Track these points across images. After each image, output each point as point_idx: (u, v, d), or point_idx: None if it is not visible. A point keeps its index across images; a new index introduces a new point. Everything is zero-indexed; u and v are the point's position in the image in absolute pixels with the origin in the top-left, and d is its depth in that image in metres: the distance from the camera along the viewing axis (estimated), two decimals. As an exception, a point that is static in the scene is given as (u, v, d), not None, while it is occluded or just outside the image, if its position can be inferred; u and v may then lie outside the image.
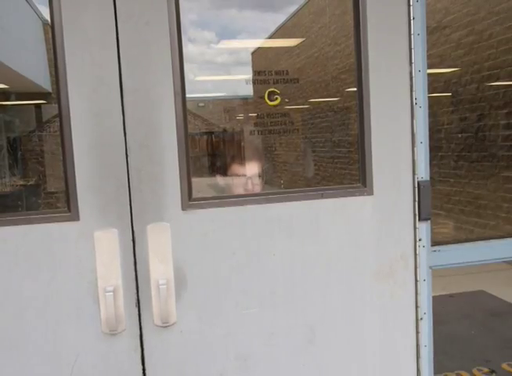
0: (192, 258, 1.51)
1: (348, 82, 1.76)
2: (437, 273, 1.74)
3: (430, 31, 5.55)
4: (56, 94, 1.41)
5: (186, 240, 1.50)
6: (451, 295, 3.69)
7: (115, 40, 1.43)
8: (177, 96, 1.48)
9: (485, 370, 2.51)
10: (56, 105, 1.57)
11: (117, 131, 1.45)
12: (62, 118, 1.42)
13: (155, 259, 1.48)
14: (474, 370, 2.51)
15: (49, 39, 1.73)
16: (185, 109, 1.49)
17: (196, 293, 1.53)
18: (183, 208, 1.49)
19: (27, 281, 1.44)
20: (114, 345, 1.49)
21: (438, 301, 1.85)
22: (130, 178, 1.46)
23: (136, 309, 1.50)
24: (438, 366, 2.37)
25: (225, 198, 1.56)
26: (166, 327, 1.51)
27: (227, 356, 1.57)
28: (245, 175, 2.02)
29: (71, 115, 1.41)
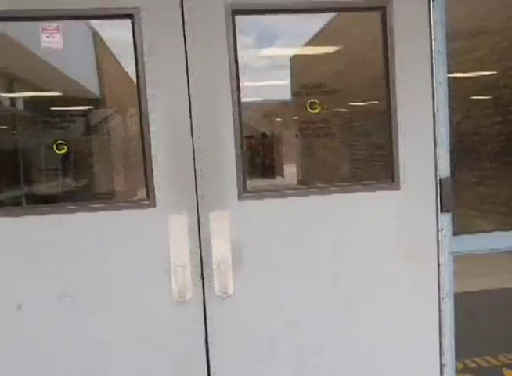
0: (247, 239, 1.83)
1: (384, 86, 2.02)
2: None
3: (469, 36, 5.69)
4: (138, 105, 1.76)
5: (242, 224, 1.82)
6: (483, 291, 3.85)
7: (184, 58, 1.77)
8: (234, 106, 1.80)
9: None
10: (104, 109, 1.91)
11: (186, 135, 1.78)
12: (142, 124, 1.76)
13: (216, 240, 1.80)
14: (500, 356, 2.71)
15: (98, 46, 2.07)
16: (240, 116, 1.81)
17: (250, 269, 1.84)
18: (239, 199, 1.81)
19: (112, 256, 1.79)
20: (183, 310, 1.82)
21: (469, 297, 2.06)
22: (196, 173, 1.79)
23: (200, 282, 1.82)
24: (465, 352, 2.60)
25: (273, 191, 1.87)
26: (225, 297, 1.82)
27: (277, 323, 1.87)
28: (285, 174, 2.31)
29: (150, 122, 1.76)
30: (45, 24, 1.68)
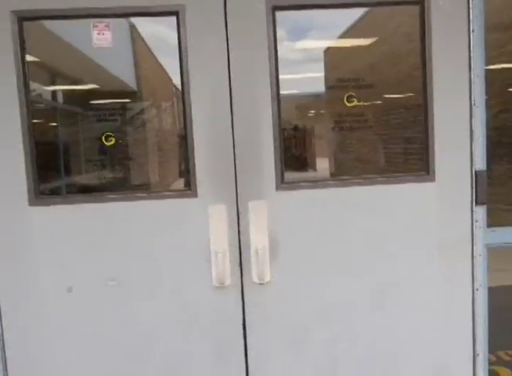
0: (283, 228, 1.89)
1: (420, 79, 2.04)
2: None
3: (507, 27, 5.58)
4: (182, 101, 1.84)
5: (279, 214, 1.88)
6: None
7: (226, 54, 1.83)
8: (273, 101, 1.86)
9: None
10: (139, 102, 1.98)
11: (226, 129, 1.85)
12: (186, 120, 1.84)
13: (254, 229, 1.87)
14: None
15: (135, 40, 2.13)
16: (279, 110, 1.87)
17: (286, 258, 1.90)
18: (277, 189, 1.87)
19: (157, 244, 1.88)
20: (222, 296, 1.90)
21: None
22: (236, 165, 1.86)
23: (239, 269, 1.90)
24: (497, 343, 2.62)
25: (310, 182, 1.92)
26: (262, 284, 1.89)
27: (311, 311, 1.94)
28: (317, 168, 2.33)
29: (193, 118, 1.83)
30: (96, 22, 1.77)
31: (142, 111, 2.41)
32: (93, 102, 2.11)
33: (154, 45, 2.56)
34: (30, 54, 1.82)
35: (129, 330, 1.90)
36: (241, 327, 1.92)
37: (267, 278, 1.89)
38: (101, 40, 1.78)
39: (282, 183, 1.89)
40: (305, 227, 1.91)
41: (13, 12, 1.75)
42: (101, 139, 1.91)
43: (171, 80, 2.28)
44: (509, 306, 3.38)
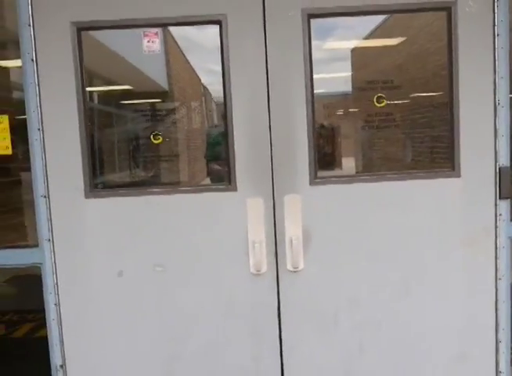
0: (316, 221, 2.04)
1: (446, 80, 2.14)
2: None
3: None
4: (224, 103, 2.00)
5: (312, 207, 2.03)
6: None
7: (264, 59, 1.98)
8: (308, 102, 2.00)
9: None
10: (171, 103, 2.14)
11: (264, 128, 2.00)
12: (227, 120, 2.00)
13: (289, 221, 2.02)
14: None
15: (167, 41, 2.27)
16: (313, 111, 2.01)
17: (318, 248, 2.05)
18: (310, 184, 2.02)
19: (199, 233, 2.05)
20: (258, 282, 2.06)
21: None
22: (273, 162, 2.01)
23: (274, 258, 2.05)
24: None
25: (341, 177, 2.06)
26: (295, 271, 2.04)
27: (340, 298, 2.08)
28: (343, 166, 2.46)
29: (234, 118, 1.99)
30: (147, 30, 1.95)
31: (177, 111, 2.56)
32: (139, 104, 2.29)
33: (185, 47, 2.69)
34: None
35: (172, 313, 2.08)
36: (276, 310, 2.07)
37: (300, 266, 2.04)
38: (151, 47, 1.96)
39: (315, 179, 2.03)
40: (336, 219, 2.05)
41: (73, 23, 1.94)
42: (149, 138, 2.09)
43: (200, 81, 2.45)
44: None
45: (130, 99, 2.46)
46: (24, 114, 2.03)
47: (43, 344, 2.14)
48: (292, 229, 2.03)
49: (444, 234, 2.09)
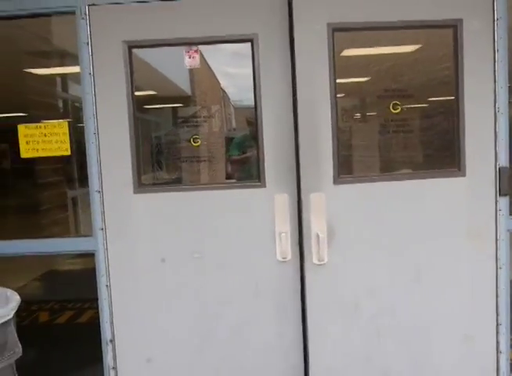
0: (339, 218, 2.27)
1: (453, 89, 2.37)
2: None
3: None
4: (254, 110, 2.28)
5: (336, 204, 2.26)
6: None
7: (291, 69, 2.24)
8: (332, 107, 2.23)
9: None
10: (192, 107, 2.41)
11: (290, 130, 2.28)
12: (257, 125, 2.28)
13: (314, 217, 2.25)
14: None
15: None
16: (337, 115, 2.22)
17: (341, 242, 2.28)
18: (334, 183, 2.25)
19: (233, 224, 2.33)
20: (284, 268, 2.33)
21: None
22: (300, 161, 2.24)
23: (298, 247, 2.32)
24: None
25: (362, 177, 2.31)
26: (320, 263, 2.29)
27: (360, 287, 2.31)
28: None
29: (263, 123, 2.27)
30: (188, 48, 2.25)
31: (211, 115, 2.84)
32: (181, 112, 2.60)
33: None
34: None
35: (208, 294, 2.36)
36: (299, 294, 2.34)
37: (325, 260, 2.25)
38: (191, 62, 2.26)
39: (338, 178, 2.25)
40: (357, 216, 2.28)
41: (125, 41, 2.25)
42: (190, 141, 2.39)
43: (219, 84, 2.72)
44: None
45: (179, 110, 2.76)
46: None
47: (83, 328, 2.41)
48: (317, 225, 2.25)
49: (451, 228, 2.32)
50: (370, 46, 3.05)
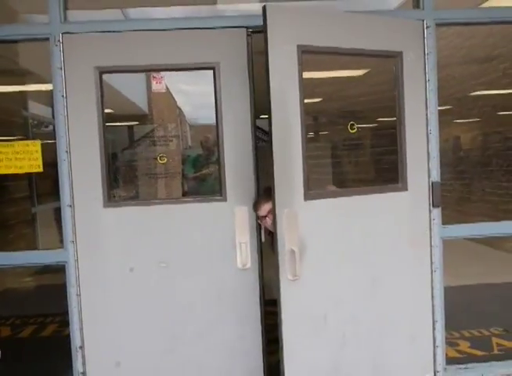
0: (311, 232, 2.25)
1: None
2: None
3: (482, 61, 6.36)
4: (216, 132, 2.50)
5: (306, 220, 2.23)
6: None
7: (249, 95, 2.50)
8: (302, 127, 2.24)
9: (500, 329, 3.33)
10: (147, 125, 2.61)
11: (249, 148, 2.52)
12: (219, 146, 2.51)
13: (287, 233, 2.18)
14: (492, 329, 3.34)
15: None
16: (306, 134, 2.30)
17: (312, 256, 2.25)
18: (305, 199, 2.24)
19: (196, 235, 2.53)
20: (244, 275, 2.54)
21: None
22: (275, 179, 2.17)
23: (257, 255, 2.54)
24: (462, 325, 3.28)
25: (327, 193, 2.52)
26: (294, 280, 2.52)
27: (328, 299, 2.33)
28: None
29: (225, 141, 2.50)
30: (155, 74, 2.46)
31: (173, 136, 3.06)
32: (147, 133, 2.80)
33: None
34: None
35: (173, 301, 2.54)
36: (257, 299, 2.56)
37: (298, 274, 2.18)
38: (158, 87, 2.47)
39: (308, 194, 2.24)
40: (325, 230, 2.31)
41: (96, 67, 2.44)
42: (156, 159, 2.59)
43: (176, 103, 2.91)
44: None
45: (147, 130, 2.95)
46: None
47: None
48: (290, 241, 2.19)
49: (398, 236, 2.53)
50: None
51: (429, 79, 2.58)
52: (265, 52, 2.16)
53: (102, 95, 2.46)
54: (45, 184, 4.83)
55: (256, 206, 2.52)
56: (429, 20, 2.57)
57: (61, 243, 2.53)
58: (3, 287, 5.12)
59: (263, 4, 2.17)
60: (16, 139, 3.63)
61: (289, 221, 2.20)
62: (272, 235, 2.50)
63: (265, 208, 2.46)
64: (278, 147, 2.19)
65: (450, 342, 3.09)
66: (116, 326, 2.53)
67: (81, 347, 2.53)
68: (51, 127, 5.34)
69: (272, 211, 2.21)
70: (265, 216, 2.48)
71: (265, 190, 2.53)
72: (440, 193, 2.59)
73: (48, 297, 4.47)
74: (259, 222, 2.55)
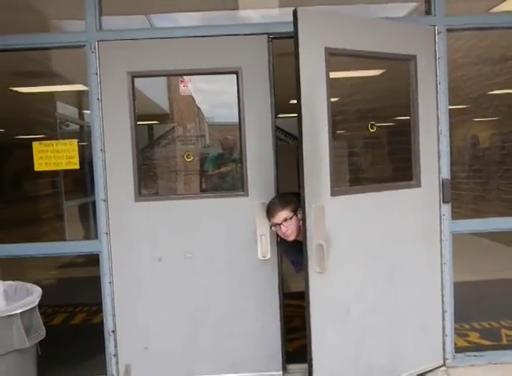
0: (336, 227, 2.36)
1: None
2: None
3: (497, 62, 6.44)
4: (239, 131, 2.68)
5: (333, 215, 2.35)
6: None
7: (269, 99, 2.68)
8: (329, 125, 2.39)
9: (510, 321, 3.46)
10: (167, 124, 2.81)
11: (270, 147, 2.69)
12: (241, 144, 2.69)
13: (315, 227, 2.30)
14: (502, 322, 3.47)
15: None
16: (333, 133, 2.47)
17: (337, 250, 2.38)
18: (332, 195, 2.36)
19: (220, 228, 2.71)
20: (264, 265, 2.72)
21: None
22: (304, 176, 2.28)
23: (275, 246, 2.71)
24: (473, 317, 3.42)
25: (352, 189, 2.65)
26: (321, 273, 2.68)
27: (351, 291, 2.47)
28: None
29: (247, 140, 2.68)
30: (182, 78, 2.66)
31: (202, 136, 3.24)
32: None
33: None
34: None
35: (198, 289, 2.73)
36: (276, 288, 2.74)
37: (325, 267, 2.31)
38: (185, 90, 2.66)
39: (335, 190, 2.36)
40: (350, 225, 2.43)
41: (128, 72, 2.64)
42: (182, 157, 2.79)
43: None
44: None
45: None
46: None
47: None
48: (318, 235, 2.30)
49: (413, 232, 2.67)
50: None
51: (440, 82, 2.72)
52: (295, 55, 2.25)
53: (134, 98, 2.66)
54: (68, 182, 5.10)
55: (270, 213, 2.55)
56: (440, 26, 2.72)
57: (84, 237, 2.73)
58: (33, 279, 5.38)
59: (283, 8, 2.33)
60: (45, 138, 3.87)
61: (317, 216, 2.31)
62: (282, 242, 2.66)
63: (280, 216, 2.50)
64: (308, 146, 2.29)
65: (460, 333, 3.22)
66: (145, 312, 2.73)
67: (114, 331, 2.73)
68: (72, 126, 5.58)
69: (302, 207, 2.29)
70: (280, 224, 2.51)
71: (280, 197, 2.63)
72: (450, 190, 2.74)
73: (75, 288, 4.74)
74: (272, 229, 2.60)
